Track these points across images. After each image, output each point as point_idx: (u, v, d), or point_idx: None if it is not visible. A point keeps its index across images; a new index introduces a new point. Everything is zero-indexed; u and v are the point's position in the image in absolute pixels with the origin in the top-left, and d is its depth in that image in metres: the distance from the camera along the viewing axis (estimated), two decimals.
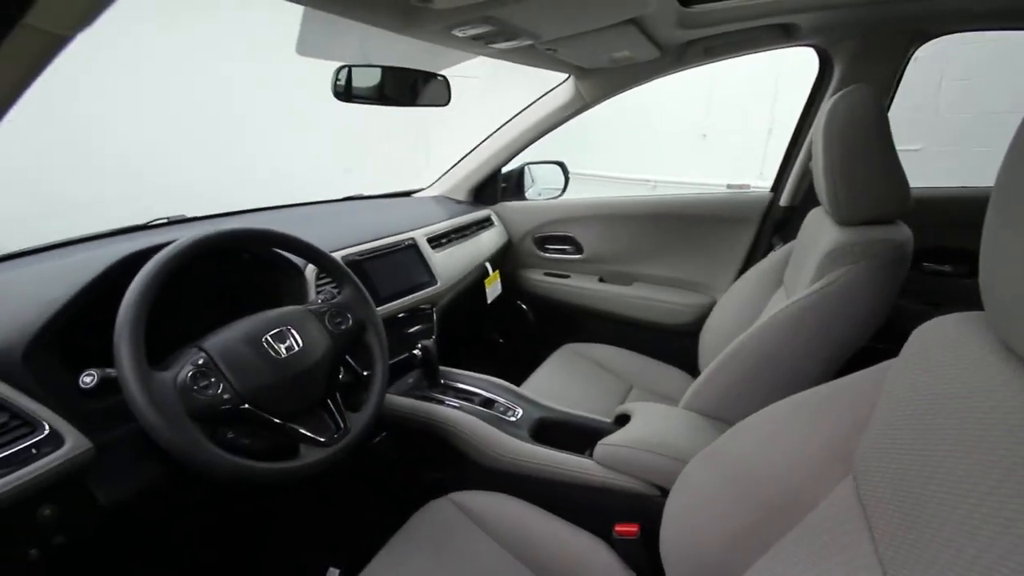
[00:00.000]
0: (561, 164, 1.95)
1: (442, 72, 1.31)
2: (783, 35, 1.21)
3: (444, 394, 1.14)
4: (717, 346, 1.05)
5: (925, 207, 1.20)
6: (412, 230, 1.42)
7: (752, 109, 4.20)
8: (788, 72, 3.80)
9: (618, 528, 0.84)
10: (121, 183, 3.28)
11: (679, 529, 0.62)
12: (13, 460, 0.62)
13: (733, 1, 1.03)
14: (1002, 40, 2.80)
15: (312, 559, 1.17)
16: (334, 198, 1.67)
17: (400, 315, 1.30)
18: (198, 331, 0.77)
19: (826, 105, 0.88)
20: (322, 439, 0.78)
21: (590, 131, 4.01)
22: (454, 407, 1.08)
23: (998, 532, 0.29)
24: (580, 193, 1.90)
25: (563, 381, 1.42)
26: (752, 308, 1.19)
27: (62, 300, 0.72)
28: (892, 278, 0.83)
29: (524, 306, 1.94)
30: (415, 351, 1.17)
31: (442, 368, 1.21)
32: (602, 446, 0.93)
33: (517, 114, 1.68)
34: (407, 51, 1.11)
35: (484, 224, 1.75)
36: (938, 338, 0.43)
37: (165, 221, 1.19)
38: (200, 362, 0.71)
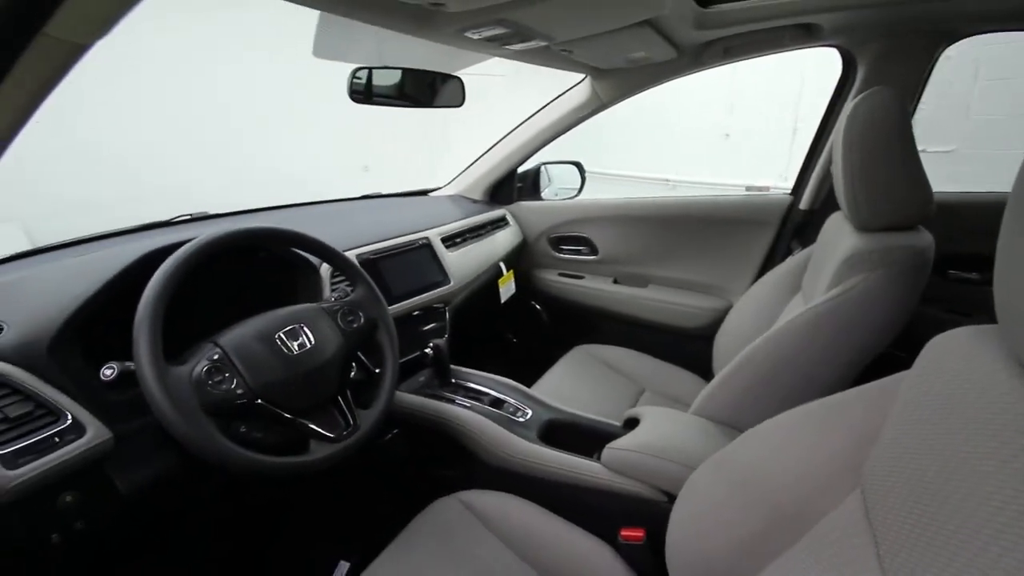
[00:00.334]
0: (578, 164, 1.94)
1: (464, 71, 1.32)
2: (805, 35, 1.19)
3: (454, 393, 1.15)
4: (732, 351, 1.03)
5: (952, 212, 1.17)
6: (427, 229, 1.43)
7: (776, 108, 4.12)
8: (814, 69, 3.71)
9: (624, 532, 0.84)
10: (125, 184, 3.39)
11: (685, 535, 0.62)
12: (37, 448, 0.65)
13: (752, 1, 1.02)
14: None
15: (323, 552, 1.20)
16: (352, 196, 1.69)
17: (414, 313, 1.31)
18: (216, 326, 0.79)
19: (848, 107, 0.87)
20: (332, 435, 0.80)
21: (609, 130, 3.98)
22: (464, 406, 1.09)
23: (1005, 550, 0.29)
24: (597, 192, 1.89)
25: (575, 382, 1.42)
26: (768, 313, 1.17)
27: (85, 295, 0.75)
28: (911, 286, 0.81)
29: (538, 306, 1.94)
30: (427, 350, 1.18)
31: (453, 367, 1.22)
32: (610, 450, 0.93)
33: (534, 114, 1.68)
34: (427, 51, 1.12)
35: (499, 224, 1.76)
36: (950, 351, 0.42)
37: (188, 218, 1.22)
38: (215, 357, 0.73)
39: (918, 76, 1.20)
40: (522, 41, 1.00)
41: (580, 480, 0.93)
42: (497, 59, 1.21)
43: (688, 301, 1.64)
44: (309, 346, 0.82)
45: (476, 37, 0.94)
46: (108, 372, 0.68)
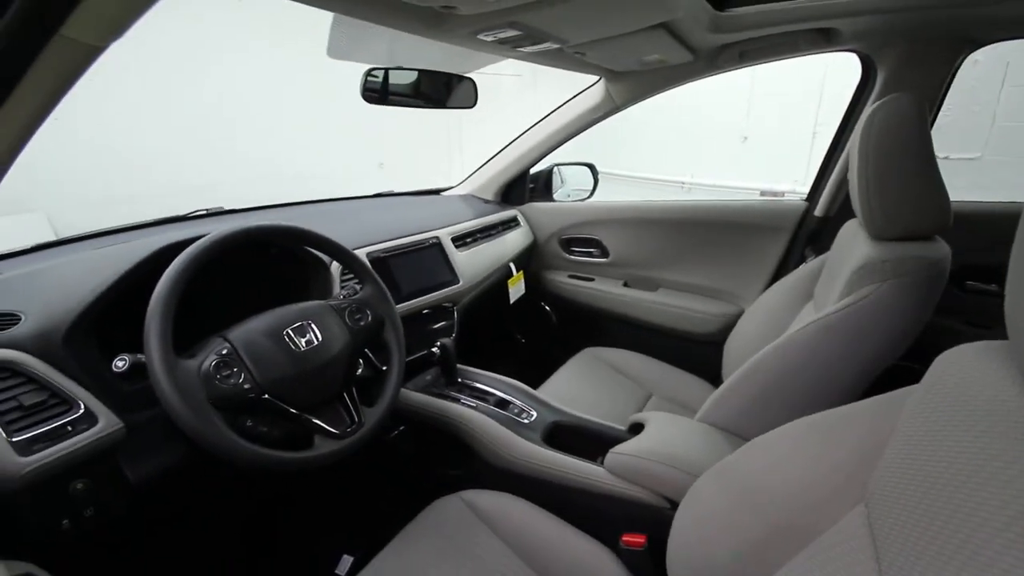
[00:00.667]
0: (591, 166, 1.94)
1: (481, 70, 1.32)
2: (823, 40, 1.17)
3: (460, 392, 1.16)
4: (741, 358, 1.02)
5: (973, 222, 1.14)
6: (437, 229, 1.44)
7: (796, 111, 4.06)
8: (835, 72, 3.65)
9: (625, 538, 0.84)
10: (146, 183, 3.45)
11: (686, 543, 0.62)
12: (51, 435, 0.67)
13: (770, 4, 1.00)
14: None
15: (327, 546, 1.21)
16: (364, 195, 1.70)
17: (423, 312, 1.32)
18: (226, 320, 0.80)
19: (866, 113, 0.85)
20: (336, 431, 0.81)
21: (623, 131, 3.96)
22: (469, 406, 1.09)
23: (1012, 567, 0.29)
24: (611, 194, 1.88)
25: (582, 384, 1.42)
26: (779, 321, 1.16)
27: (100, 288, 0.77)
28: (925, 297, 0.80)
29: (547, 307, 1.94)
30: (434, 348, 1.19)
31: (460, 367, 1.23)
32: (613, 454, 0.93)
33: (547, 115, 1.68)
34: (439, 52, 1.13)
35: (510, 224, 1.76)
36: (958, 367, 0.42)
37: (204, 213, 1.25)
38: (224, 352, 0.74)
39: (939, 82, 1.18)
40: (534, 44, 0.99)
41: (583, 483, 0.93)
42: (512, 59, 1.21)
43: (699, 306, 1.62)
44: (316, 343, 0.83)
45: (489, 39, 0.94)
46: (120, 364, 0.70)
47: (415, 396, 1.14)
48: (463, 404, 1.10)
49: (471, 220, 1.59)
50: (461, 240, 1.50)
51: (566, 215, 1.82)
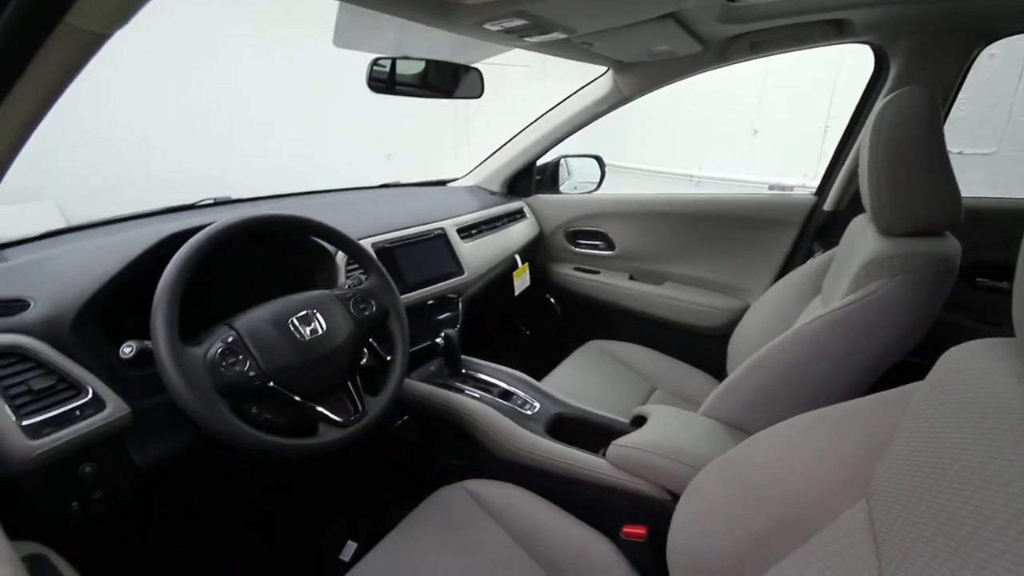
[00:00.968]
0: (598, 158, 1.93)
1: (489, 60, 1.31)
2: (835, 31, 1.15)
3: (464, 383, 1.17)
4: (746, 352, 1.02)
5: (985, 218, 1.12)
6: (443, 220, 1.44)
7: (808, 104, 4.00)
8: (849, 64, 3.59)
9: (626, 529, 0.84)
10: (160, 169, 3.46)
11: (687, 535, 0.62)
12: (59, 420, 0.68)
13: None
14: None
15: (332, 532, 1.23)
16: (370, 185, 1.71)
17: (428, 302, 1.33)
18: (232, 308, 0.81)
19: (878, 106, 0.84)
20: (340, 419, 0.81)
21: (632, 123, 3.92)
22: (473, 397, 1.10)
23: (1013, 564, 0.29)
24: (618, 187, 1.87)
25: (586, 377, 1.42)
26: (786, 315, 1.15)
27: (108, 275, 0.78)
28: (933, 294, 0.79)
29: (552, 300, 1.94)
30: (439, 339, 1.19)
31: (464, 358, 1.23)
32: (615, 447, 0.93)
33: (554, 106, 1.67)
34: (446, 42, 1.12)
35: (516, 216, 1.76)
36: (964, 364, 0.41)
37: (211, 202, 1.26)
38: (230, 340, 0.75)
39: (953, 76, 1.16)
40: (542, 33, 0.99)
41: (584, 475, 0.94)
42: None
43: (705, 300, 1.62)
44: (321, 332, 0.84)
45: (495, 29, 0.93)
46: (127, 350, 0.71)
47: (419, 386, 1.14)
48: (467, 395, 1.11)
49: (477, 211, 1.59)
50: (466, 231, 1.50)
51: (572, 207, 1.82)
